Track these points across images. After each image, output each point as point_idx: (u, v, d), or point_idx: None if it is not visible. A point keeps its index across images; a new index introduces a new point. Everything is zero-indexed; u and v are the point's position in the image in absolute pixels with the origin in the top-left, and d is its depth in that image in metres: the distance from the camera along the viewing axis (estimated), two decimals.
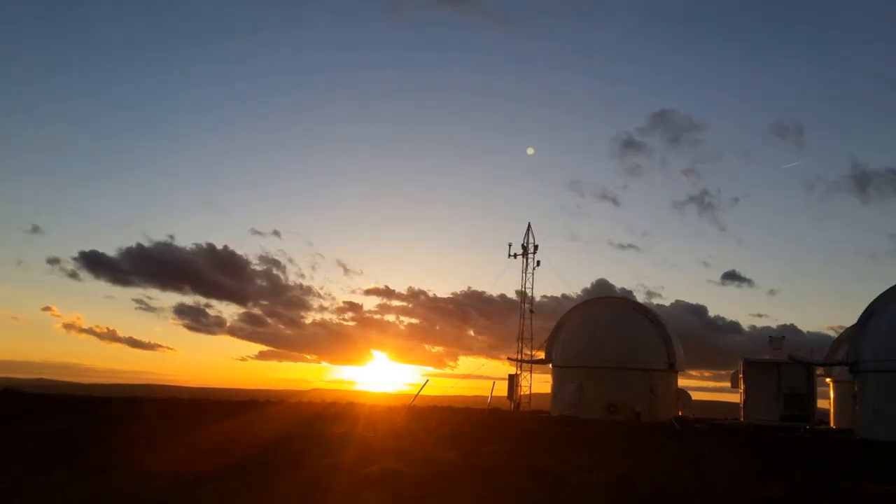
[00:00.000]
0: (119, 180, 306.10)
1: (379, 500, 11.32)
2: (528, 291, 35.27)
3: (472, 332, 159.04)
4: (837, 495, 13.51)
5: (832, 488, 14.11)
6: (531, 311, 35.42)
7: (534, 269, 35.51)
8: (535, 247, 35.46)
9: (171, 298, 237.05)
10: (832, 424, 38.56)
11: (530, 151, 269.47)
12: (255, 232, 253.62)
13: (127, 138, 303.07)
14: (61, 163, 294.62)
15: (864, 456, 21.67)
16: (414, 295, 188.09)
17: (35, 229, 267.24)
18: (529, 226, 35.81)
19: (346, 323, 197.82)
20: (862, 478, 15.99)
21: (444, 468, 14.10)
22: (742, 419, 35.33)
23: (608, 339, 37.07)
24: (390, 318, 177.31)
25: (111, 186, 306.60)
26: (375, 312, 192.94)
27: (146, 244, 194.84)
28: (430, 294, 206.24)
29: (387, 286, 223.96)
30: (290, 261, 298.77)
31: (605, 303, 40.22)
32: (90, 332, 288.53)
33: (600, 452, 19.06)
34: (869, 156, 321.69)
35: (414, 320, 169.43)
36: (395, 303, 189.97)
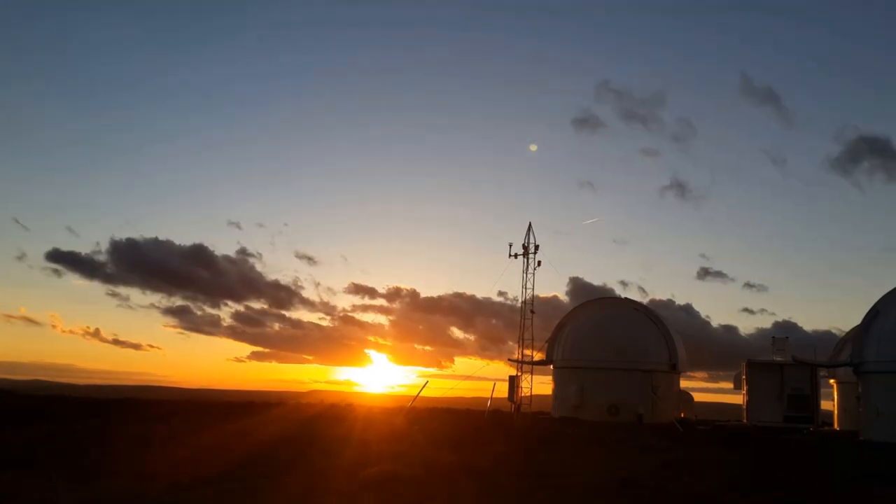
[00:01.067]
0: (88, 175, 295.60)
1: (378, 502, 11.12)
2: (529, 292, 34.95)
3: (466, 333, 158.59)
4: (841, 498, 13.42)
5: (836, 491, 13.99)
6: (532, 312, 35.14)
7: (534, 269, 35.24)
8: (536, 247, 35.25)
9: (149, 298, 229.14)
10: (836, 426, 38.34)
11: (533, 148, 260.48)
12: (240, 229, 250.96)
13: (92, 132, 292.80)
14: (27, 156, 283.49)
15: (868, 458, 21.51)
16: (406, 295, 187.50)
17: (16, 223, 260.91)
18: (530, 225, 35.65)
19: (340, 323, 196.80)
20: (866, 480, 15.87)
21: (443, 471, 13.98)
22: (745, 421, 35.09)
23: (610, 339, 36.79)
24: (386, 318, 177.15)
25: (79, 181, 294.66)
26: (371, 313, 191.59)
27: (120, 241, 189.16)
28: (423, 294, 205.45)
29: (379, 286, 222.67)
30: (282, 261, 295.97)
31: (606, 303, 39.98)
32: (72, 332, 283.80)
33: (602, 454, 18.95)
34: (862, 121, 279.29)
35: (409, 321, 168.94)
36: (389, 303, 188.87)
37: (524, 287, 35.28)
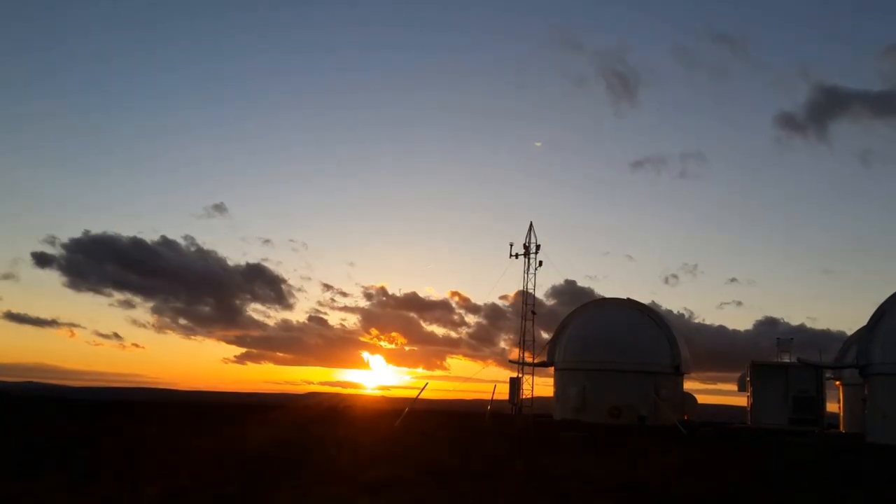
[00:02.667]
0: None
1: None
2: (531, 292, 34.53)
3: (459, 334, 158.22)
4: (846, 501, 13.26)
5: (840, 493, 13.82)
6: (533, 313, 34.70)
7: (535, 269, 34.79)
8: (538, 246, 34.77)
9: (133, 298, 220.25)
10: (841, 428, 38.04)
11: (538, 144, 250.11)
12: (226, 229, 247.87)
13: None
14: None
15: (873, 460, 21.28)
16: (401, 295, 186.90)
17: None
18: (531, 225, 35.19)
19: (334, 324, 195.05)
20: (871, 483, 15.70)
21: (443, 473, 13.80)
22: (749, 423, 34.73)
23: (612, 341, 36.42)
24: (379, 319, 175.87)
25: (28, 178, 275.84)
26: (367, 314, 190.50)
27: (97, 238, 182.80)
28: (418, 295, 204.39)
29: (376, 287, 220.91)
30: (275, 260, 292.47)
31: (608, 304, 39.60)
32: (56, 333, 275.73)
33: (604, 457, 18.72)
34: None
35: (405, 321, 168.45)
36: (384, 304, 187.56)
37: (525, 288, 34.82)
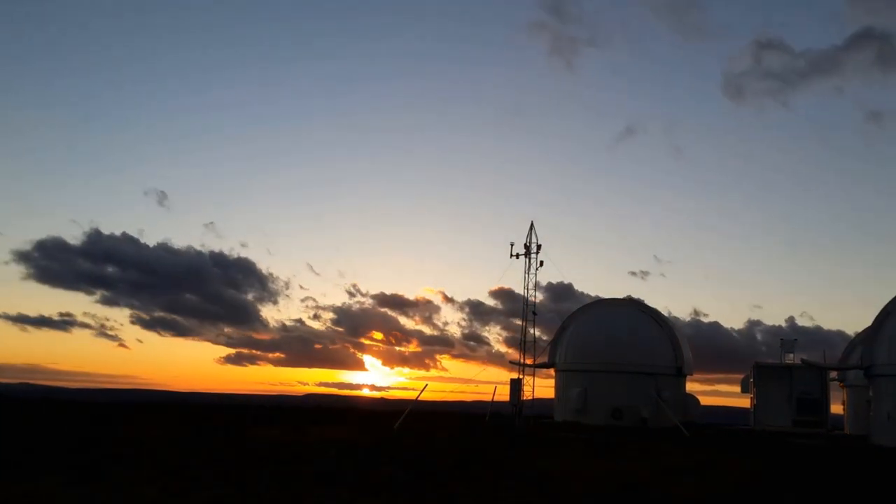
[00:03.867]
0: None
1: None
2: (532, 293, 34.19)
3: (453, 334, 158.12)
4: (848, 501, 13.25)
5: (844, 496, 13.79)
6: (534, 314, 34.37)
7: (536, 269, 34.42)
8: (539, 246, 34.39)
9: (123, 299, 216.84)
10: (846, 430, 37.82)
11: None
12: (211, 227, 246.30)
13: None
14: None
15: (878, 463, 21.10)
16: (397, 296, 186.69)
17: None
18: (532, 225, 34.83)
19: (332, 325, 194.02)
20: (875, 485, 15.59)
21: (443, 475, 13.77)
22: (752, 425, 34.46)
23: (614, 341, 36.12)
24: (375, 319, 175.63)
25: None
26: (365, 314, 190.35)
27: (72, 237, 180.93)
28: (414, 296, 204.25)
29: (374, 288, 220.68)
30: (269, 260, 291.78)
31: (610, 304, 39.32)
32: (45, 333, 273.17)
33: (605, 459, 18.55)
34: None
35: (400, 322, 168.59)
36: (382, 305, 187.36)
37: (526, 288, 34.46)
